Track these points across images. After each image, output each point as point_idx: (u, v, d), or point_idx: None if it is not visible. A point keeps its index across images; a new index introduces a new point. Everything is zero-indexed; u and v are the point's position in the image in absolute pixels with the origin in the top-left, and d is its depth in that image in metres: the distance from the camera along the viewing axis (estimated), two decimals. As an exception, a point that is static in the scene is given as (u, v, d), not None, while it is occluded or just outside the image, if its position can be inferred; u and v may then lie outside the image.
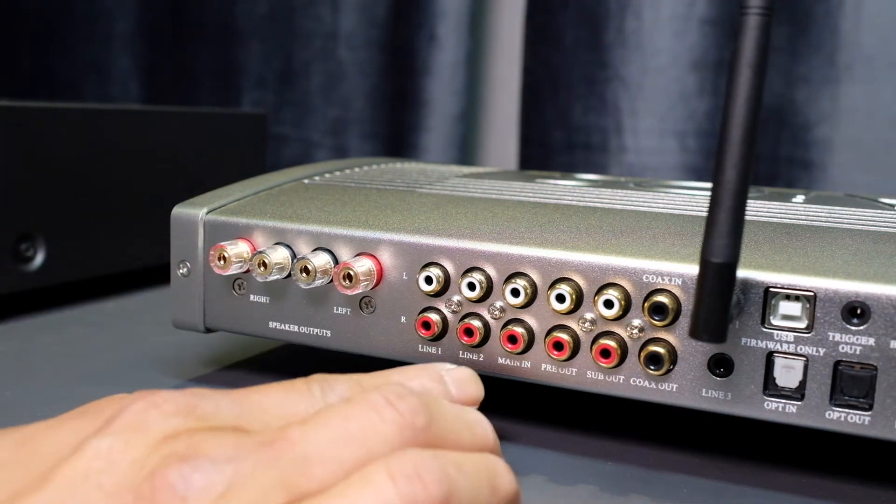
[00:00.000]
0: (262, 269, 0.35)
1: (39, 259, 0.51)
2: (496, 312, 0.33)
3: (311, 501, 0.20)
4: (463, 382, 0.29)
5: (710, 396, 0.30)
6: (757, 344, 0.29)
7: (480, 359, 0.33)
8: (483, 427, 0.25)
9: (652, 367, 0.31)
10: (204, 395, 0.23)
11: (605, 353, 0.31)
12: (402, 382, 0.27)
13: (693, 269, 0.30)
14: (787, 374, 0.29)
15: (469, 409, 0.26)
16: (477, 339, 0.33)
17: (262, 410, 0.24)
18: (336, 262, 0.35)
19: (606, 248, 0.32)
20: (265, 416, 0.23)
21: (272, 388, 0.25)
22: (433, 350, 0.34)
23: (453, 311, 0.34)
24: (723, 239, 0.26)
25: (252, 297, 0.37)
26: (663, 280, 0.30)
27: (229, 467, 0.21)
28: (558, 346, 0.32)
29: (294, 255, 0.36)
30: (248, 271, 0.37)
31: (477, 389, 0.29)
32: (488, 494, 0.22)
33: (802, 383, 0.29)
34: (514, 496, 0.23)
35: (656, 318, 0.30)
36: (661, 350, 0.30)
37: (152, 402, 0.22)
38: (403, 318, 0.35)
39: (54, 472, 0.21)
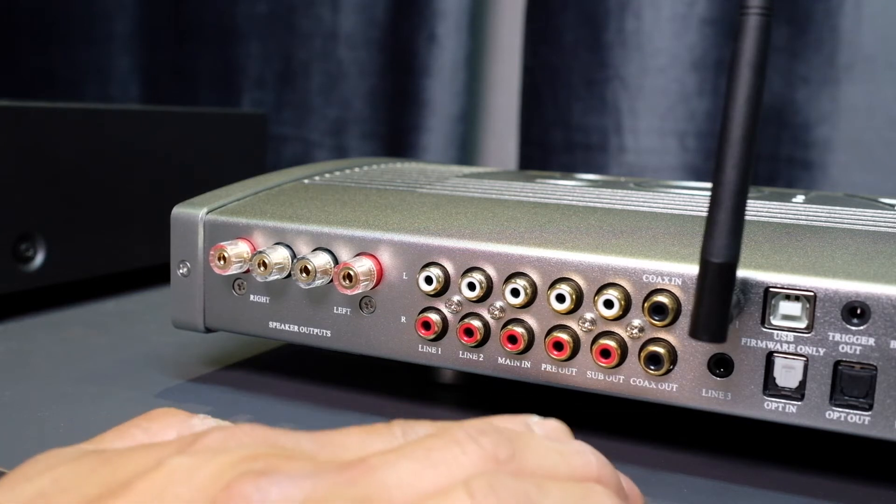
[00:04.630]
0: (262, 269, 0.35)
1: (39, 259, 0.51)
2: (496, 312, 0.33)
3: None
4: (552, 433, 0.26)
5: (710, 396, 0.30)
6: (757, 344, 0.29)
7: (480, 359, 0.33)
8: (584, 458, 0.23)
9: (652, 367, 0.31)
10: (283, 431, 0.23)
11: (605, 353, 0.31)
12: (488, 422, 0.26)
13: (693, 269, 0.30)
14: (787, 374, 0.29)
15: (568, 441, 0.24)
16: (477, 339, 0.33)
17: (343, 448, 0.23)
18: (336, 262, 0.35)
19: (606, 248, 0.32)
20: (346, 454, 0.23)
21: (352, 429, 0.24)
22: (433, 350, 0.34)
23: (453, 311, 0.34)
24: (723, 239, 0.26)
25: (252, 297, 0.37)
26: (663, 280, 0.30)
27: (307, 483, 0.20)
28: (558, 346, 0.32)
29: (294, 255, 0.36)
30: (248, 271, 0.37)
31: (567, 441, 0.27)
32: None
33: (802, 383, 0.29)
34: None
35: (656, 318, 0.30)
36: (661, 350, 0.30)
37: (232, 432, 0.23)
38: (403, 318, 0.35)
39: (133, 483, 0.21)
